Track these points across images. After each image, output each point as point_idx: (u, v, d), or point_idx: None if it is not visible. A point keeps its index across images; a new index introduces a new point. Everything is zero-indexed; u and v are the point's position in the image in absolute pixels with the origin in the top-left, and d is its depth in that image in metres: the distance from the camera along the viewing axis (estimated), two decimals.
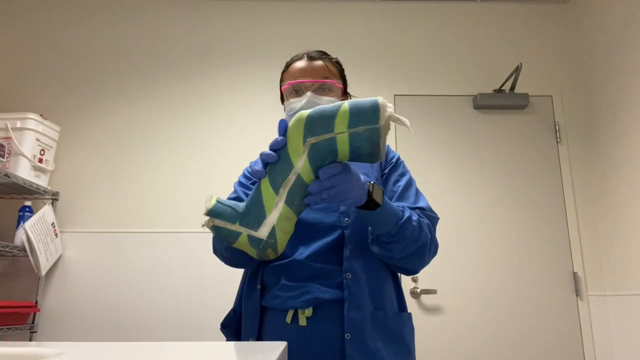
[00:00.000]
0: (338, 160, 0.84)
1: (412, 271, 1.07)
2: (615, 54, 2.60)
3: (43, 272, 2.40)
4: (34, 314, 2.44)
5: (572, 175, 2.74)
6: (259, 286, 1.08)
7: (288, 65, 1.19)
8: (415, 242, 0.99)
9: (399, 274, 1.13)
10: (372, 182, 0.93)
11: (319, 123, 0.81)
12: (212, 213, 0.85)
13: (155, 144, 2.74)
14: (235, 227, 0.85)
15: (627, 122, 2.47)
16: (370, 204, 0.91)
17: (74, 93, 2.81)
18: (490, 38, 2.98)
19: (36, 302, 2.43)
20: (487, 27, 3.01)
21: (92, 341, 1.23)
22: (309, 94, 1.10)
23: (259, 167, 0.85)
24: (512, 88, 2.79)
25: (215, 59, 2.90)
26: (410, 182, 1.14)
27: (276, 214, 0.84)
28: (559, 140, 2.80)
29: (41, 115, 2.52)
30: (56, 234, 2.49)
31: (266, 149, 0.85)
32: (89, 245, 2.57)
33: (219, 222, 0.85)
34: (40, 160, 2.50)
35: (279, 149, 0.83)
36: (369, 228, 1.03)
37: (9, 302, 2.29)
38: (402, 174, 1.15)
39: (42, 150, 2.51)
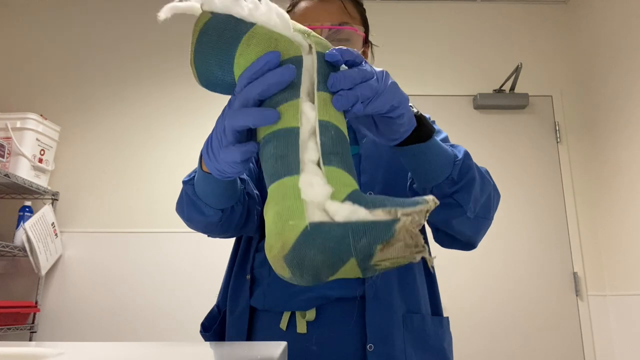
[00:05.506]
0: None
1: (473, 240, 0.78)
2: (615, 53, 2.60)
3: (43, 272, 2.40)
4: (34, 314, 2.44)
5: (572, 175, 2.73)
6: (248, 276, 0.84)
7: (294, 3, 0.90)
8: (482, 189, 0.73)
9: (433, 268, 0.84)
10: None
11: None
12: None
13: (155, 143, 2.74)
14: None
15: (627, 122, 2.47)
16: (420, 132, 0.64)
17: (74, 93, 2.81)
18: (490, 38, 2.98)
19: (36, 302, 2.43)
20: (487, 27, 3.00)
21: (92, 341, 1.23)
22: None
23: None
24: (512, 88, 2.79)
25: None
26: (447, 139, 0.88)
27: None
28: (559, 140, 2.80)
29: (41, 115, 2.52)
30: (56, 234, 2.49)
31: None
32: (89, 245, 2.57)
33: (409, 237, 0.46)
34: (40, 160, 2.50)
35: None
36: (414, 185, 0.75)
37: (9, 302, 2.29)
38: (438, 131, 0.90)
39: (42, 150, 2.51)
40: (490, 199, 0.76)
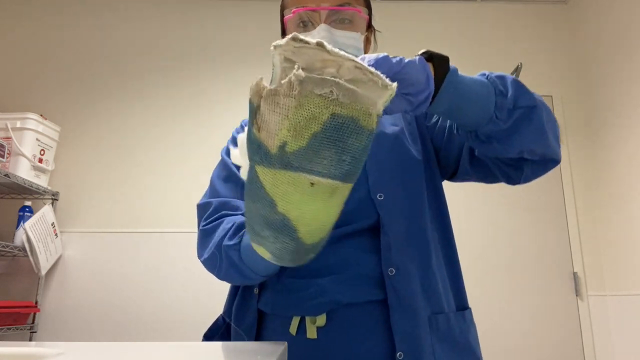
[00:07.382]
0: None
1: (557, 151, 0.76)
2: (615, 54, 2.60)
3: (43, 272, 2.40)
4: (34, 314, 2.43)
5: (572, 175, 2.73)
6: (256, 290, 0.81)
7: None
8: (532, 97, 0.70)
9: (457, 259, 0.88)
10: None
11: None
12: None
13: (155, 144, 2.74)
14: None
15: (627, 122, 2.47)
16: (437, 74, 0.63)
17: (74, 93, 2.81)
18: (490, 38, 2.98)
19: (36, 302, 2.43)
20: (487, 27, 3.00)
21: (92, 341, 1.23)
22: (323, 26, 0.76)
23: None
24: None
25: (214, 61, 2.89)
26: None
27: None
28: None
29: (41, 115, 2.51)
30: (56, 234, 2.49)
31: None
32: (89, 245, 2.57)
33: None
34: (40, 160, 2.49)
35: None
36: (466, 137, 0.73)
37: (9, 302, 2.28)
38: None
39: (42, 150, 2.51)
40: (538, 109, 0.71)
